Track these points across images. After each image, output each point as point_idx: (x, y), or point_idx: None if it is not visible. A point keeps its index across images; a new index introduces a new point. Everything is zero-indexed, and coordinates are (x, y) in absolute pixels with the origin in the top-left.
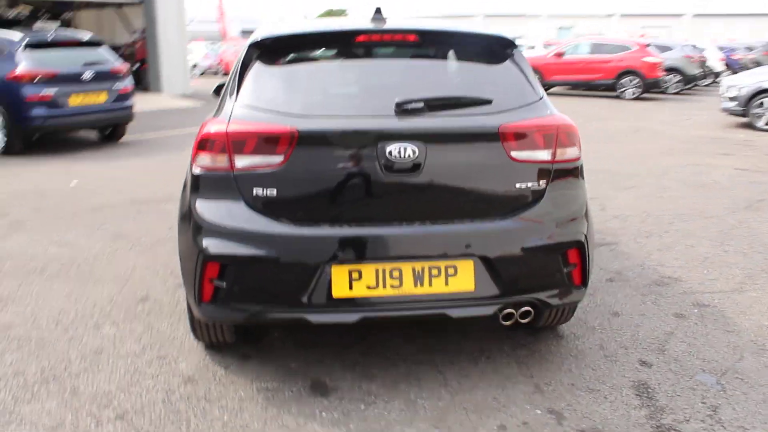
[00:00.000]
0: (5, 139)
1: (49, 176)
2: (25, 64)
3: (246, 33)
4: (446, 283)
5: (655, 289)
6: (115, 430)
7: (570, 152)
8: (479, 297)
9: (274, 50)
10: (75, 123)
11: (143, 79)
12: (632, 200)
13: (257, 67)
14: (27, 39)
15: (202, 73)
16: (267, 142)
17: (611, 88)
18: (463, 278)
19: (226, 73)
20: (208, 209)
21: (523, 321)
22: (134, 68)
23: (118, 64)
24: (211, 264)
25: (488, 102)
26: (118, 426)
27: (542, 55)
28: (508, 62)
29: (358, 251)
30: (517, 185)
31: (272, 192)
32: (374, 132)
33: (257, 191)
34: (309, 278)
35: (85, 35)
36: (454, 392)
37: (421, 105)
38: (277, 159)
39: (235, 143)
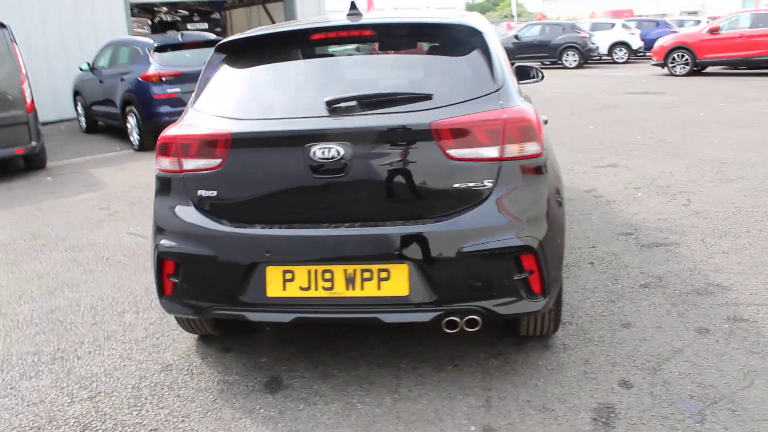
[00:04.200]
0: (138, 138)
1: None
2: (154, 65)
3: None
4: (378, 288)
5: (691, 299)
6: (81, 409)
7: (526, 148)
8: (414, 303)
9: (233, 54)
10: None
11: None
12: (728, 194)
13: (214, 72)
14: (158, 42)
15: None
16: (208, 145)
17: None
18: (396, 283)
19: None
20: (163, 209)
21: (470, 330)
22: None
23: None
24: (166, 261)
25: (427, 97)
26: (84, 406)
27: (694, 32)
28: (469, 52)
29: (288, 252)
30: (456, 185)
31: (213, 193)
32: (301, 133)
33: (201, 192)
34: (245, 277)
35: (210, 36)
36: (399, 399)
37: (353, 103)
38: (216, 162)
39: (182, 147)
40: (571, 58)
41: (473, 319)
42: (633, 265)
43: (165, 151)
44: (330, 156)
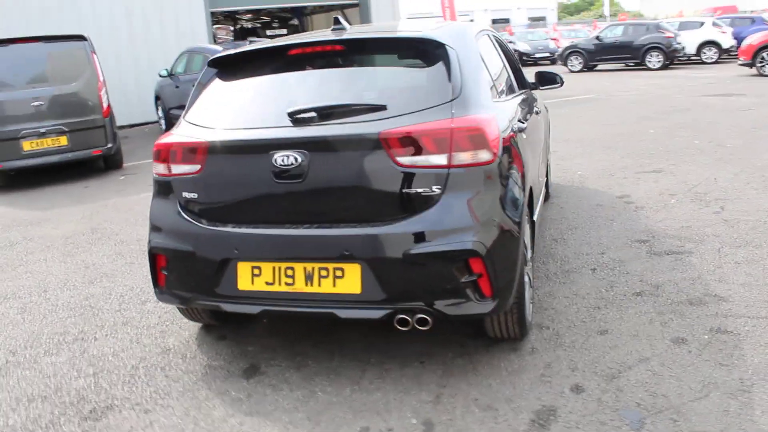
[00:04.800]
0: None
1: None
2: None
3: (497, 21)
4: (334, 285)
5: (681, 309)
6: (84, 383)
7: (475, 156)
8: (366, 300)
9: (222, 68)
10: None
11: None
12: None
13: (205, 85)
14: (228, 49)
15: None
16: (191, 152)
17: None
18: (350, 281)
19: None
20: (156, 209)
21: (422, 328)
22: None
23: None
24: (158, 255)
25: (381, 108)
26: (87, 380)
27: None
28: (430, 64)
29: (254, 250)
30: (406, 191)
31: (194, 195)
32: (264, 141)
33: (185, 194)
34: (220, 271)
35: None
36: (358, 390)
37: (312, 114)
38: (197, 167)
39: (171, 153)
40: (654, 59)
41: (423, 318)
42: (635, 272)
43: (158, 157)
44: (289, 163)
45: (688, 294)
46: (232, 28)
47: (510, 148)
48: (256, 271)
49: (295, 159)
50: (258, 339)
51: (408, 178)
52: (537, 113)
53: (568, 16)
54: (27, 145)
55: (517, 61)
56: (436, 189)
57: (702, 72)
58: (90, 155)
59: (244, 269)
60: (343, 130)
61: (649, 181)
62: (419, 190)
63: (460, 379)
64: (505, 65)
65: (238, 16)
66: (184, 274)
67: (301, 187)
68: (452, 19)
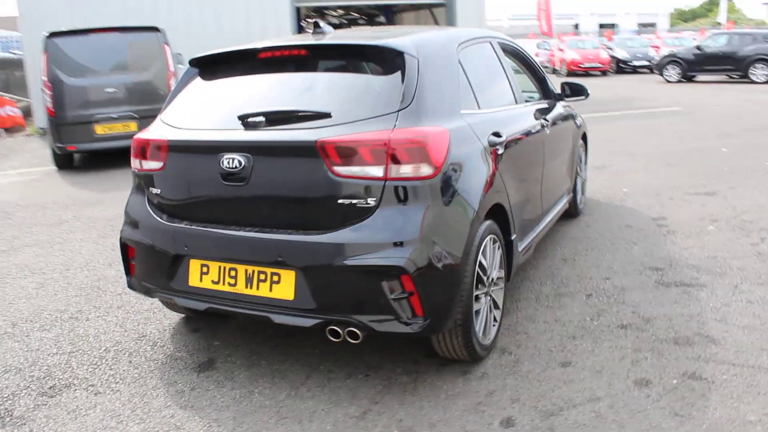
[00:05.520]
0: None
1: None
2: None
3: (604, 27)
4: (270, 289)
5: (662, 347)
6: (57, 360)
7: (414, 169)
8: (297, 308)
9: (201, 68)
10: None
11: None
12: None
13: (183, 84)
14: None
15: None
16: (157, 149)
17: None
18: (284, 287)
19: (555, 71)
20: (131, 201)
21: (353, 341)
22: None
23: None
24: (128, 246)
25: (326, 115)
26: (62, 358)
27: None
28: (387, 73)
29: (201, 248)
30: (341, 201)
31: (157, 191)
32: (214, 143)
33: (151, 189)
34: (174, 266)
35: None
36: (293, 396)
37: (261, 119)
38: (160, 164)
39: (142, 149)
40: (759, 72)
41: (353, 331)
42: (632, 302)
43: (134, 152)
44: (234, 166)
45: (677, 332)
46: None
47: (469, 163)
48: (205, 269)
49: (239, 162)
50: (228, 335)
51: (343, 187)
52: (544, 127)
53: (682, 23)
54: (99, 129)
55: (540, 70)
56: (371, 201)
57: None
58: None
59: (195, 266)
60: (283, 136)
61: (695, 204)
62: (354, 201)
63: (395, 397)
64: (507, 75)
65: (326, 12)
66: (147, 265)
67: (244, 190)
68: (548, 22)
